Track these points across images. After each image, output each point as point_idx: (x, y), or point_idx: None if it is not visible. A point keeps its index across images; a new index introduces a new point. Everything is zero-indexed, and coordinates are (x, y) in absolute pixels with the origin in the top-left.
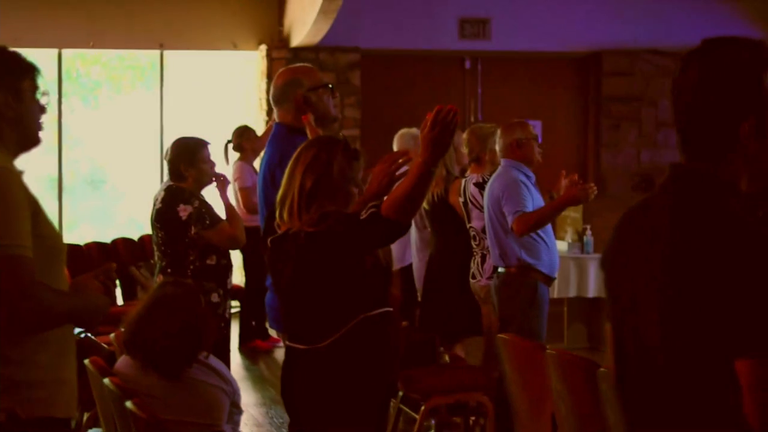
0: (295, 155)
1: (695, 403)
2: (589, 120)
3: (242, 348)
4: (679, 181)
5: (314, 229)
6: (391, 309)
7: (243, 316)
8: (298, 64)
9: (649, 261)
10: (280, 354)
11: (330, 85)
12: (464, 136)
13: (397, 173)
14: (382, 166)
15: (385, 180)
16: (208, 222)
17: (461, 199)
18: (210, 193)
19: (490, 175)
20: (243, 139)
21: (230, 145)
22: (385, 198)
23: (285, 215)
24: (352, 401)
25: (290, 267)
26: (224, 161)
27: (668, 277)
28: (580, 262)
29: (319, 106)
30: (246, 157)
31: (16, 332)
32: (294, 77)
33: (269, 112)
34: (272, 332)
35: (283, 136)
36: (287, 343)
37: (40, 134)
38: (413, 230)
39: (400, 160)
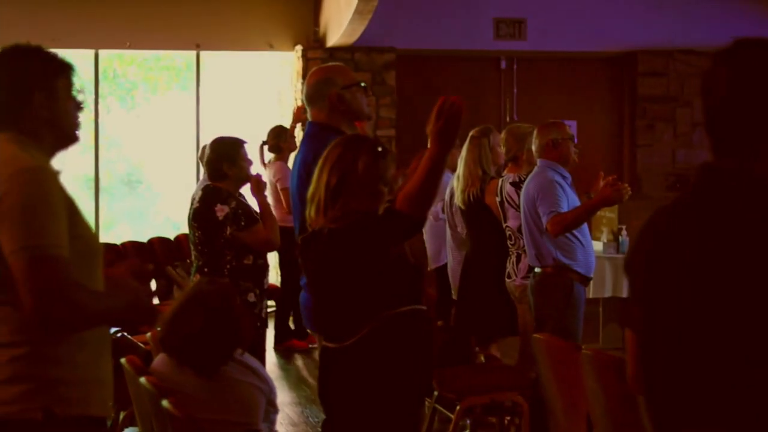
0: (324, 154)
1: (738, 404)
2: (624, 120)
3: (278, 347)
4: (710, 181)
5: (336, 226)
6: (424, 307)
7: (279, 316)
8: (331, 63)
9: (683, 263)
10: (315, 353)
11: (363, 84)
12: (502, 135)
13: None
14: (415, 163)
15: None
16: (243, 223)
17: (498, 199)
18: (247, 192)
19: (527, 175)
20: (280, 139)
21: (266, 146)
22: (399, 193)
23: (312, 213)
24: (384, 400)
25: (316, 265)
26: (260, 162)
27: (705, 278)
28: (616, 262)
29: (353, 105)
30: (284, 157)
31: (51, 333)
32: (327, 76)
33: (304, 112)
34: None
35: (316, 135)
36: (322, 342)
37: (78, 132)
38: (448, 230)
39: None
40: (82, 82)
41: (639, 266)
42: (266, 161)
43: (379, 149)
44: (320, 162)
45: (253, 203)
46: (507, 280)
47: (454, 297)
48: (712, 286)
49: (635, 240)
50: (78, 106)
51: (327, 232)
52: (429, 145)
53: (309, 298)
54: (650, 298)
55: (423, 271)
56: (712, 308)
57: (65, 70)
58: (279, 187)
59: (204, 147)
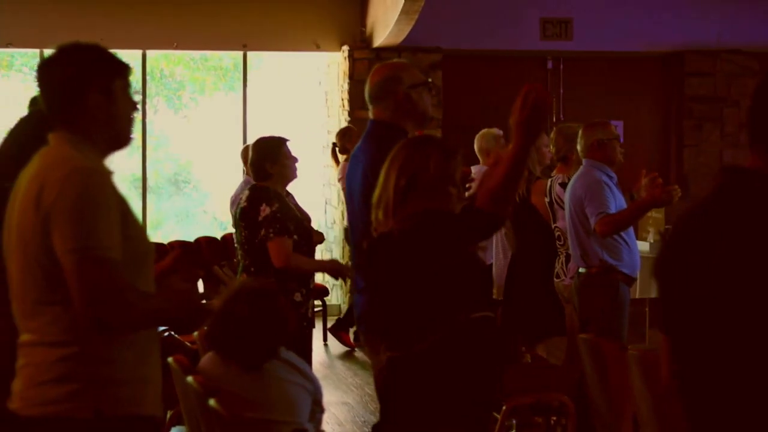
0: (390, 155)
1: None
2: (671, 120)
3: (335, 333)
4: (734, 182)
5: (407, 226)
6: (492, 314)
7: (325, 316)
8: (395, 60)
9: (707, 265)
10: (362, 353)
11: (429, 80)
12: (551, 135)
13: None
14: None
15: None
16: (272, 232)
17: (547, 199)
18: (293, 190)
19: None
20: (346, 140)
21: (336, 148)
22: (479, 190)
23: (380, 215)
24: (454, 408)
25: (387, 268)
26: (334, 164)
27: (728, 279)
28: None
29: (419, 105)
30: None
31: (102, 333)
32: (394, 73)
33: (351, 112)
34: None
35: (380, 134)
36: (384, 349)
37: (131, 134)
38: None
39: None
40: (134, 83)
41: (666, 269)
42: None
43: (448, 149)
44: (386, 164)
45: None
46: (556, 280)
47: (496, 297)
48: (735, 287)
49: (663, 243)
50: (134, 107)
51: (397, 233)
52: (512, 139)
53: (365, 303)
54: (677, 301)
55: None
56: (735, 309)
57: (123, 70)
58: (341, 187)
59: (246, 146)
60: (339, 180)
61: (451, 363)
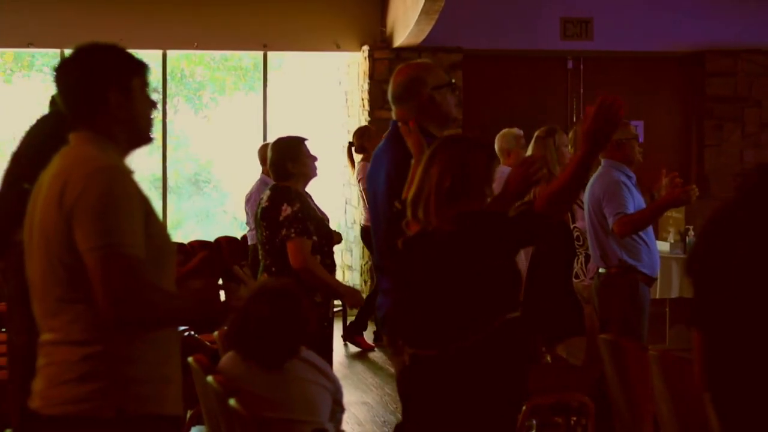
0: (429, 153)
1: None
2: (692, 120)
3: (348, 338)
4: (763, 180)
5: (454, 229)
6: (520, 314)
7: (362, 312)
8: (419, 60)
9: (737, 262)
10: (383, 353)
11: (453, 81)
12: (570, 135)
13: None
14: (519, 170)
15: (522, 185)
16: (293, 232)
17: None
18: (314, 189)
19: None
20: (364, 139)
21: (353, 147)
22: (538, 194)
23: (420, 214)
24: (484, 408)
25: (424, 268)
26: (349, 164)
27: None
28: (683, 262)
29: (443, 106)
30: (369, 157)
31: (124, 332)
32: (417, 75)
33: (371, 113)
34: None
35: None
36: (409, 349)
37: (152, 132)
38: None
39: (536, 165)
40: (153, 81)
41: (699, 266)
42: (355, 162)
43: (492, 151)
44: (423, 162)
45: (319, 205)
46: (575, 280)
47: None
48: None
49: (695, 242)
50: (153, 105)
51: (441, 234)
52: (579, 146)
53: (390, 304)
54: (709, 297)
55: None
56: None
57: (141, 69)
58: (361, 188)
59: (263, 145)
60: (359, 180)
61: (486, 363)
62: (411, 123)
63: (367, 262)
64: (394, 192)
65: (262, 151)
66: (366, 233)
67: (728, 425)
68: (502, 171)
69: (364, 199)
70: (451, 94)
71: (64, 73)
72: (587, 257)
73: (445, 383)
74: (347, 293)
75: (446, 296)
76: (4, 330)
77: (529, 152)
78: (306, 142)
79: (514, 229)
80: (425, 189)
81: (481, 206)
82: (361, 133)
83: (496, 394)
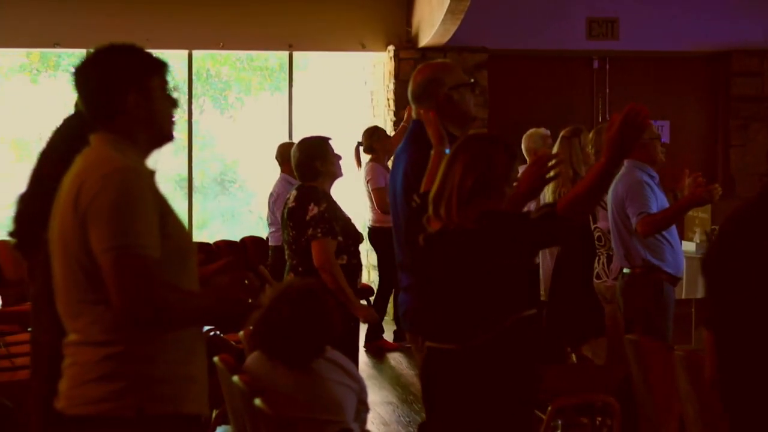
0: (452, 152)
1: None
2: (718, 120)
3: (369, 346)
4: None
5: (475, 227)
6: (536, 312)
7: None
8: (438, 60)
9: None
10: (407, 353)
11: (472, 80)
12: (590, 135)
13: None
14: (532, 169)
15: (536, 183)
16: (319, 232)
17: None
18: (339, 189)
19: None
20: (374, 140)
21: (361, 147)
22: (561, 197)
23: (441, 212)
24: (500, 403)
25: (445, 264)
26: (356, 163)
27: None
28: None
29: (461, 106)
30: (378, 158)
31: (142, 332)
32: (436, 75)
33: (396, 113)
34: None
35: (422, 134)
36: (428, 343)
37: (173, 131)
38: None
39: (551, 163)
40: (175, 78)
41: (714, 267)
42: (362, 162)
43: (513, 150)
44: (448, 159)
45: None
46: (597, 281)
47: (543, 298)
48: None
49: (712, 243)
50: (173, 104)
51: (461, 232)
52: (604, 152)
53: (412, 300)
54: (722, 298)
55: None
56: None
57: (159, 68)
58: (370, 188)
59: (281, 144)
60: (368, 181)
61: (500, 360)
62: (431, 113)
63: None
64: (411, 190)
65: (283, 151)
66: (373, 234)
67: (737, 425)
68: None
69: (372, 200)
70: (469, 94)
71: (83, 74)
72: (609, 258)
73: (461, 377)
74: (360, 308)
75: (464, 292)
76: (28, 330)
77: (554, 153)
78: (330, 142)
79: (533, 231)
80: (447, 187)
81: (500, 205)
82: (370, 134)
83: (510, 390)
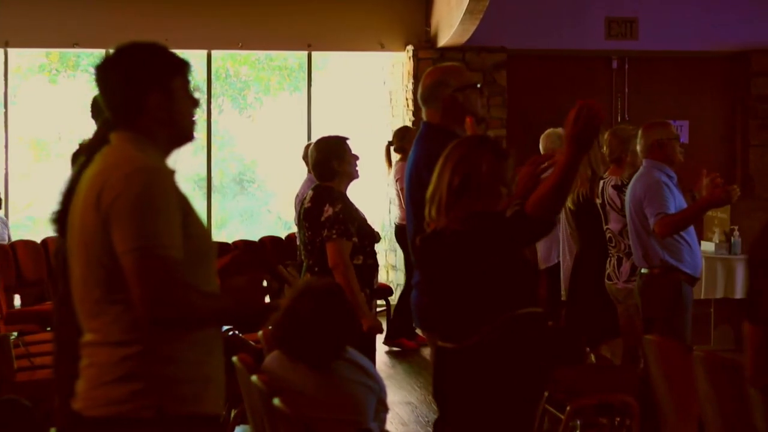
0: (444, 153)
1: None
2: (737, 120)
3: (389, 346)
4: None
5: (462, 228)
6: (540, 309)
7: (396, 314)
8: (446, 64)
9: None
10: (426, 353)
11: (478, 85)
12: (605, 136)
13: (542, 176)
14: (528, 169)
15: (530, 182)
16: (335, 233)
17: (599, 201)
18: (357, 189)
19: (629, 178)
20: (404, 141)
21: (392, 147)
22: (530, 196)
23: (433, 212)
24: (501, 401)
25: (438, 265)
26: (386, 163)
27: None
28: (728, 262)
29: (466, 107)
30: (407, 158)
31: (161, 332)
32: (441, 77)
33: (416, 113)
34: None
35: (430, 136)
36: (438, 342)
37: (193, 131)
38: (564, 230)
39: (546, 163)
40: (195, 78)
41: (758, 259)
42: (393, 161)
43: (501, 150)
44: (441, 161)
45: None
46: (608, 282)
47: (563, 298)
48: None
49: (759, 235)
50: (195, 104)
51: (450, 233)
52: (564, 149)
53: (420, 297)
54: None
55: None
56: None
57: (182, 68)
58: (398, 187)
59: (307, 146)
60: (396, 180)
61: (498, 357)
62: (468, 119)
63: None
64: (415, 191)
65: (307, 153)
66: (400, 232)
67: None
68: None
69: (400, 198)
70: (476, 95)
71: (104, 73)
72: (619, 259)
73: (462, 376)
74: (369, 316)
75: (456, 292)
76: (49, 329)
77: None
78: (348, 142)
79: (507, 230)
80: (438, 188)
81: (495, 206)
82: (401, 135)
83: (511, 388)
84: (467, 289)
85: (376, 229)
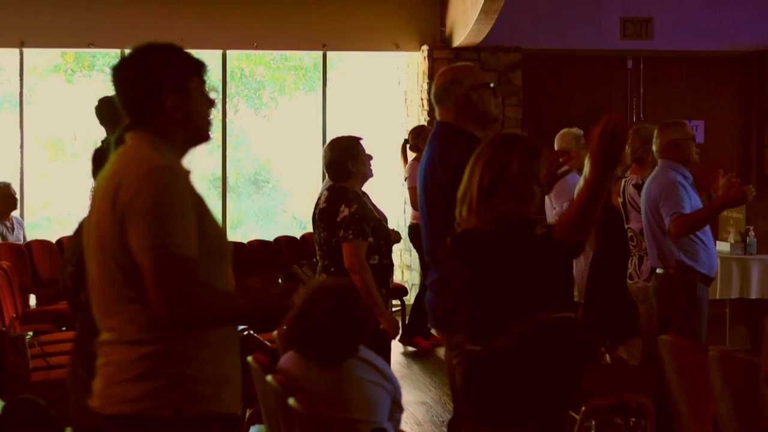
0: (476, 153)
1: None
2: (753, 120)
3: (403, 346)
4: None
5: (491, 229)
6: (573, 315)
7: (413, 314)
8: (459, 63)
9: None
10: (441, 353)
11: (491, 84)
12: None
13: (558, 172)
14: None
15: (546, 180)
16: (351, 233)
17: (620, 200)
18: (373, 189)
19: None
20: (419, 139)
21: (408, 145)
22: (558, 218)
23: (464, 212)
24: (529, 405)
25: (468, 265)
26: (402, 160)
27: None
28: (743, 263)
29: (480, 106)
30: (421, 157)
31: (178, 331)
32: (455, 76)
33: (431, 113)
34: (433, 331)
35: (443, 135)
36: (467, 346)
37: (210, 131)
38: None
39: (561, 160)
40: (211, 79)
41: None
42: (408, 160)
43: (532, 148)
44: (471, 161)
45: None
46: (629, 281)
47: (577, 299)
48: None
49: None
50: (210, 105)
51: (480, 234)
52: (589, 168)
53: (435, 297)
54: None
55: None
56: None
57: (197, 68)
58: (407, 185)
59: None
60: (405, 179)
61: (527, 361)
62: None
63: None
64: (428, 190)
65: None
66: (413, 231)
67: None
68: (571, 180)
69: (411, 197)
70: (489, 95)
71: (121, 73)
72: (640, 258)
73: (490, 378)
74: (387, 315)
75: (487, 293)
76: (63, 329)
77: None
78: (361, 142)
79: (536, 250)
80: (469, 188)
81: (527, 206)
82: (417, 133)
83: (538, 393)
84: (499, 289)
85: (395, 229)
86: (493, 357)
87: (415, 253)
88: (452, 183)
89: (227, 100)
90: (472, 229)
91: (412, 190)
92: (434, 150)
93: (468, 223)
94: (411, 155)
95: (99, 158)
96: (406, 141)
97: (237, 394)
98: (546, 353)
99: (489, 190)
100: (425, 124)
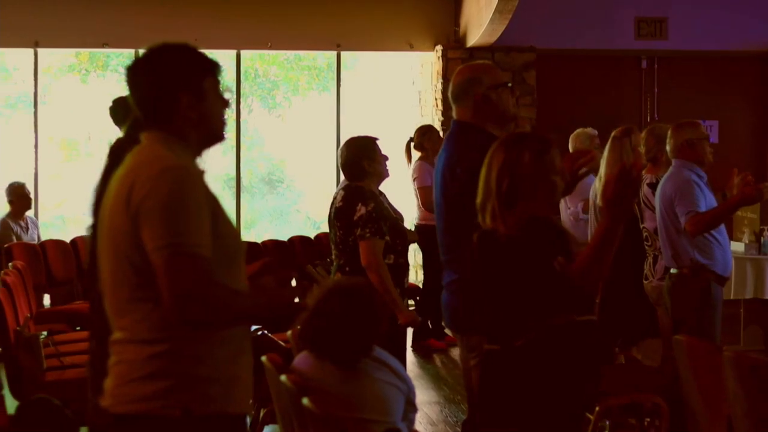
0: (487, 158)
1: None
2: (767, 119)
3: (417, 346)
4: None
5: (515, 234)
6: (594, 317)
7: (419, 315)
8: (478, 62)
9: None
10: (455, 353)
11: (509, 84)
12: (642, 135)
13: (580, 173)
14: (565, 164)
15: (567, 178)
16: (368, 232)
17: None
18: (387, 189)
19: None
20: (425, 138)
21: (413, 143)
22: (575, 262)
23: (488, 220)
24: (545, 406)
25: (490, 264)
26: (406, 159)
27: None
28: (758, 263)
29: (499, 106)
30: (427, 156)
31: (190, 330)
32: (474, 75)
33: (445, 112)
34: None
35: (462, 134)
36: (485, 345)
37: (224, 131)
38: (590, 230)
39: (582, 160)
40: (225, 81)
41: None
42: (412, 159)
43: (542, 142)
44: (484, 168)
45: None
46: (644, 281)
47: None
48: None
49: None
50: (225, 105)
51: (506, 237)
52: (602, 214)
53: (452, 297)
54: None
55: None
56: None
57: (213, 69)
58: (416, 186)
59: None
60: (414, 179)
61: (546, 362)
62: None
63: None
64: (446, 190)
65: None
66: (420, 232)
67: None
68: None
69: (417, 198)
70: (508, 94)
71: (135, 73)
72: (655, 257)
73: (507, 379)
74: (404, 311)
75: (505, 294)
76: (77, 328)
77: (605, 153)
78: (377, 142)
79: (552, 283)
80: (488, 195)
81: (551, 199)
82: (422, 132)
83: (556, 395)
84: (522, 290)
85: (411, 230)
86: (512, 357)
87: None
88: (472, 182)
89: (241, 100)
90: (497, 231)
91: (422, 190)
92: (453, 149)
93: (495, 227)
94: (415, 154)
95: (116, 154)
96: (411, 139)
97: (247, 395)
98: (565, 355)
99: (509, 195)
100: (439, 124)
